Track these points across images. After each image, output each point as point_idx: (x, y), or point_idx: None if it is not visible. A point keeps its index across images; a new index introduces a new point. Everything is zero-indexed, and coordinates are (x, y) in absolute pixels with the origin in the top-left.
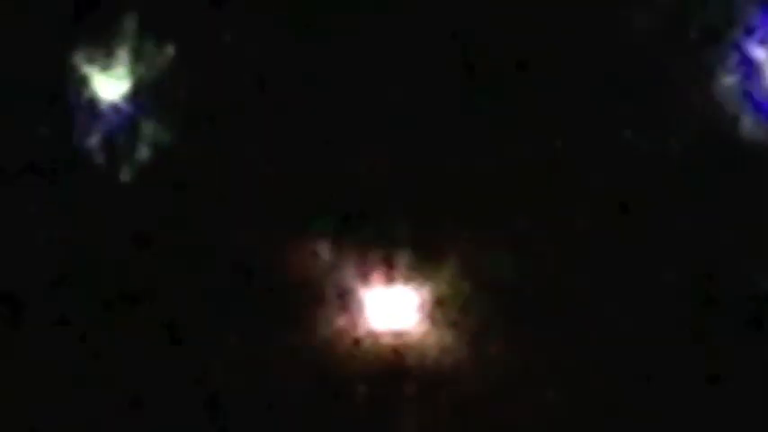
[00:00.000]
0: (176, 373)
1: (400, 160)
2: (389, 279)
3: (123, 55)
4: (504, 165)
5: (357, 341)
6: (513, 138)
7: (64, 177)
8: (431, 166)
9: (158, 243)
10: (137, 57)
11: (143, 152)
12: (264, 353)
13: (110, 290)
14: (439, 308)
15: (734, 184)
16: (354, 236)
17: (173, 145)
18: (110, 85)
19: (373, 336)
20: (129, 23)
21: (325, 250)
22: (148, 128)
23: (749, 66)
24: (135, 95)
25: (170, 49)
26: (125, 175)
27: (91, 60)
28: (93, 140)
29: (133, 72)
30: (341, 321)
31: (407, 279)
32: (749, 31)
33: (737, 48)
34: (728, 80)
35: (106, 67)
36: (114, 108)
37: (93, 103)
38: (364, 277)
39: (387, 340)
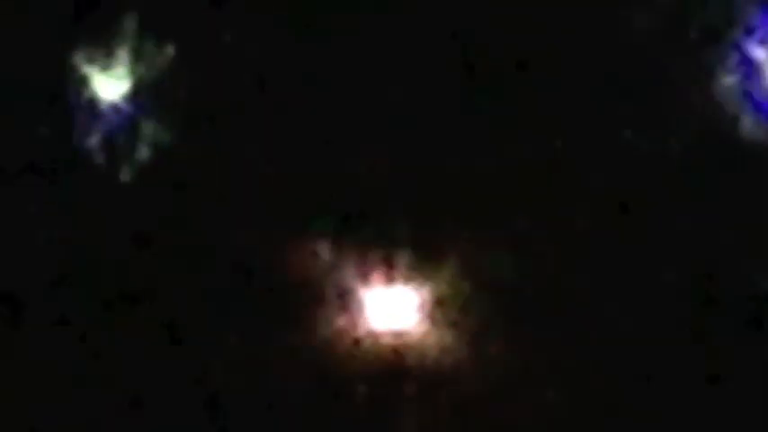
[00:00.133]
0: (176, 373)
1: (400, 160)
2: (389, 279)
3: (123, 55)
4: (504, 165)
5: (357, 341)
6: (513, 138)
7: (64, 177)
8: (431, 166)
9: (158, 243)
10: (137, 57)
11: (143, 152)
12: (264, 353)
13: (110, 290)
14: (439, 308)
15: (734, 184)
16: (354, 236)
17: (173, 145)
18: (110, 85)
19: (373, 336)
20: (129, 23)
21: (325, 250)
22: (148, 128)
23: (749, 66)
24: (135, 95)
25: (170, 49)
26: (125, 175)
27: (91, 60)
28: (93, 140)
29: (133, 72)
30: (341, 321)
31: (407, 279)
32: (749, 31)
33: (737, 48)
34: (728, 80)
35: (106, 67)
36: (114, 108)
37: (93, 103)
38: (364, 277)
39: (387, 340)
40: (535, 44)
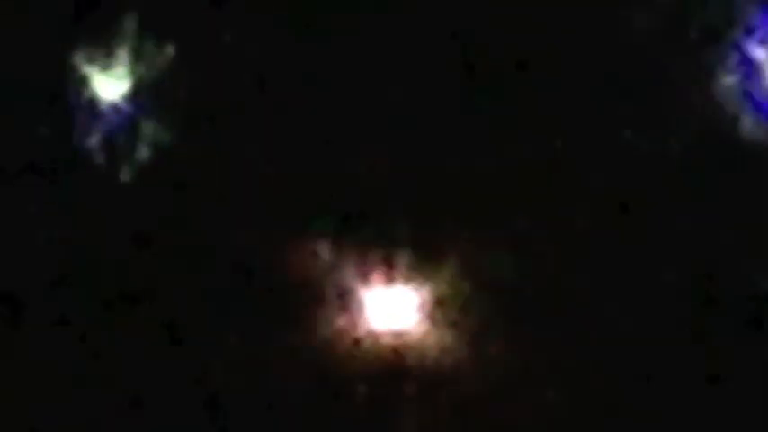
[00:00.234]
0: (176, 373)
1: (400, 160)
2: (389, 279)
3: (123, 55)
4: (504, 165)
5: (357, 341)
6: (513, 138)
7: (64, 177)
8: (431, 166)
9: (158, 243)
10: (137, 57)
11: (143, 152)
12: (264, 353)
13: (110, 290)
14: (439, 308)
15: (734, 184)
16: (354, 236)
17: (173, 145)
18: (110, 85)
19: (373, 336)
20: (129, 23)
21: (325, 250)
22: (148, 128)
23: (749, 66)
24: (135, 95)
25: (170, 49)
26: (125, 175)
27: (91, 60)
28: (93, 140)
29: (133, 72)
30: (341, 321)
31: (407, 279)
32: (749, 31)
33: (737, 48)
34: (728, 80)
35: (106, 67)
36: (114, 108)
37: (93, 103)
38: (364, 277)
39: (387, 340)
40: (535, 44)
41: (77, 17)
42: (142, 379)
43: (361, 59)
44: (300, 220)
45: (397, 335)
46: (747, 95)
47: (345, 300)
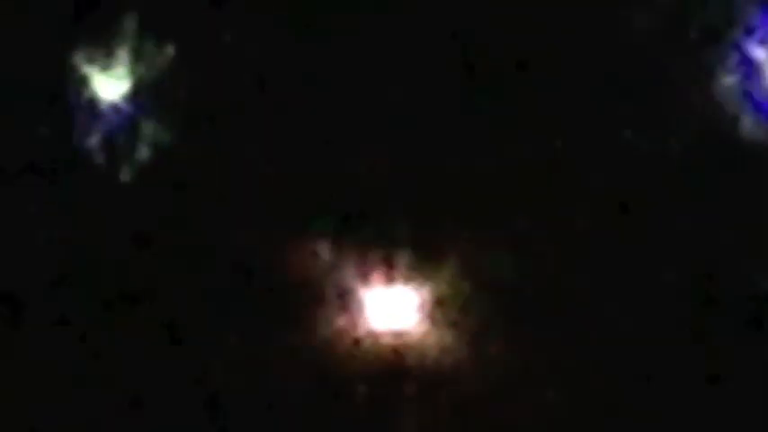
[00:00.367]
0: (176, 373)
1: (400, 160)
2: (389, 279)
3: (123, 55)
4: (504, 165)
5: (357, 341)
6: (513, 138)
7: (64, 177)
8: (431, 166)
9: (158, 243)
10: (137, 57)
11: (143, 152)
12: (264, 353)
13: (110, 290)
14: (439, 308)
15: (734, 184)
16: (354, 236)
17: (173, 145)
18: (110, 85)
19: (373, 336)
20: (129, 23)
21: (325, 250)
22: (148, 128)
23: (749, 66)
24: (135, 95)
25: (170, 49)
26: (125, 175)
27: (91, 60)
28: (93, 140)
29: (133, 72)
30: (341, 321)
31: (407, 279)
32: (749, 31)
33: (737, 48)
34: (728, 80)
35: (106, 67)
36: (114, 108)
37: (93, 103)
38: (364, 277)
39: (387, 340)
40: (535, 44)
41: (77, 17)
42: (142, 379)
43: (361, 59)
44: (300, 220)
45: (397, 335)
46: (747, 95)
47: (345, 300)
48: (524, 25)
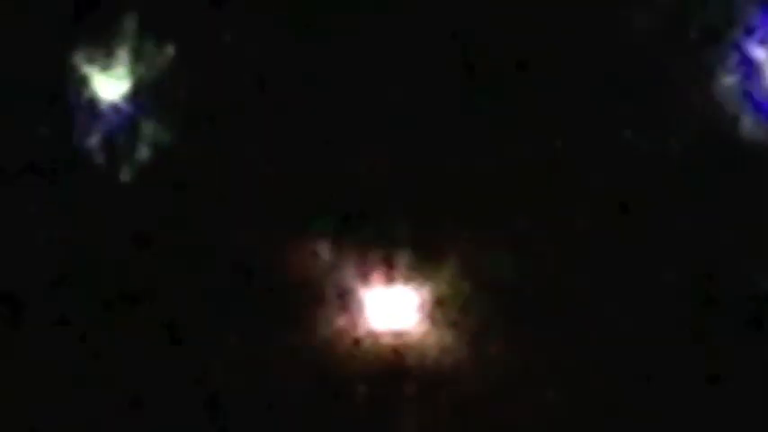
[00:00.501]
0: (176, 373)
1: (400, 160)
2: (389, 279)
3: (123, 55)
4: (504, 165)
5: (357, 341)
6: (513, 138)
7: (64, 177)
8: (431, 166)
9: (158, 243)
10: (137, 57)
11: (143, 152)
12: (264, 353)
13: (110, 290)
14: (439, 308)
15: (734, 184)
16: (354, 236)
17: (173, 145)
18: (110, 85)
19: (373, 336)
20: (129, 23)
21: (325, 250)
22: (148, 128)
23: (749, 66)
24: (135, 95)
25: (170, 49)
26: (125, 175)
27: (91, 60)
28: (93, 140)
29: (133, 72)
30: (341, 321)
31: (407, 279)
32: (749, 31)
33: (737, 48)
34: (728, 80)
35: (106, 67)
36: (114, 108)
37: (93, 103)
38: (364, 277)
39: (387, 340)
40: (535, 44)
41: (77, 17)
42: (142, 379)
43: (361, 59)
44: (300, 220)
45: (397, 335)
46: (747, 95)
47: (345, 300)
48: (524, 25)
